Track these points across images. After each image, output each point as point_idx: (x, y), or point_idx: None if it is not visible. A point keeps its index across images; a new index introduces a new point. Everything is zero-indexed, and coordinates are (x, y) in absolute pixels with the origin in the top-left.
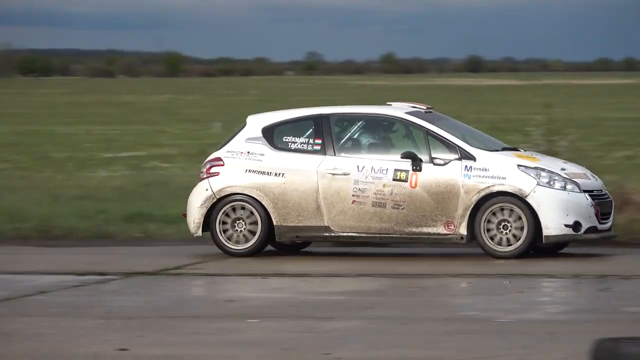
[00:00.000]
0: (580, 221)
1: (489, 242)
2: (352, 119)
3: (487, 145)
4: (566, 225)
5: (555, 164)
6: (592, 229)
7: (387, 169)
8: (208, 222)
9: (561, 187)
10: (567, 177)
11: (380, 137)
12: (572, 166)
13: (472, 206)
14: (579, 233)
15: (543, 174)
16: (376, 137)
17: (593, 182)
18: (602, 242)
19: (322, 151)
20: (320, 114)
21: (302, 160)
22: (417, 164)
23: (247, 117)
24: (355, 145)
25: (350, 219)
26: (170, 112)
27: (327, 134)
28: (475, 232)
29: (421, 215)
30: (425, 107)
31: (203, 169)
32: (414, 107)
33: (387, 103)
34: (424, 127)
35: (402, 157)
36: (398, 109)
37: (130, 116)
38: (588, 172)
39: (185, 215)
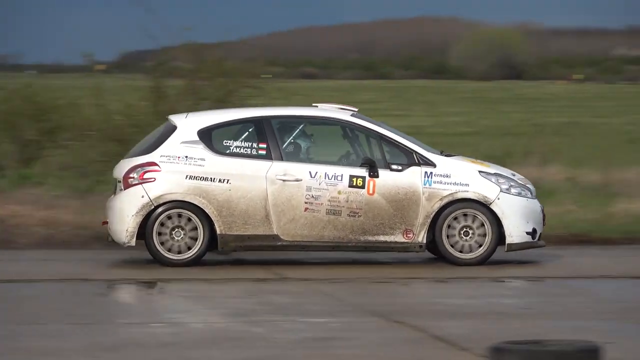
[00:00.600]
0: (537, 228)
1: (450, 250)
2: (294, 122)
3: (433, 151)
4: (527, 233)
5: (504, 170)
6: (540, 236)
7: (341, 175)
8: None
9: (517, 193)
10: (521, 183)
11: (327, 142)
12: (515, 172)
13: (434, 213)
14: (535, 240)
15: (502, 180)
16: (323, 141)
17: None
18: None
19: (269, 156)
20: (260, 117)
21: (249, 165)
22: (374, 170)
23: (168, 117)
24: (300, 150)
25: (302, 228)
26: None
27: (271, 138)
28: (437, 239)
29: (379, 223)
30: (353, 109)
31: (133, 175)
32: (342, 108)
33: (313, 105)
34: (377, 131)
35: (362, 163)
36: (340, 112)
37: None
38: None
39: (106, 222)
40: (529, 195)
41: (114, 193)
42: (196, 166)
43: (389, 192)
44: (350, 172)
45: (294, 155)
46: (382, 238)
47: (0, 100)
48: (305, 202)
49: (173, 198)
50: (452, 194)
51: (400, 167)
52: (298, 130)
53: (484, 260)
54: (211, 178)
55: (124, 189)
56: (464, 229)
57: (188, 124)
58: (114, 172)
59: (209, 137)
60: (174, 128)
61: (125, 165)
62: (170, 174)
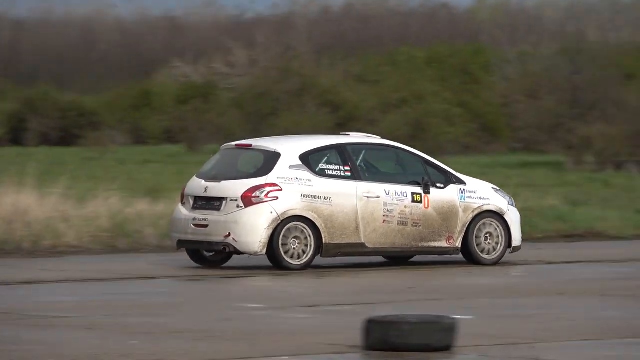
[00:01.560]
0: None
1: (478, 252)
2: (361, 148)
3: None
4: (521, 238)
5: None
6: None
7: (406, 192)
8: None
9: (513, 204)
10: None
11: (387, 164)
12: None
13: (468, 223)
14: (519, 245)
15: (504, 194)
16: (384, 164)
17: None
18: None
19: (354, 177)
20: (339, 144)
21: (342, 185)
22: (427, 188)
23: (255, 146)
24: (373, 172)
25: (380, 236)
26: None
27: (351, 162)
28: (469, 243)
29: (432, 232)
30: (378, 137)
31: (257, 194)
32: (368, 136)
33: (346, 133)
34: (420, 155)
35: (420, 183)
36: (377, 138)
37: None
38: None
39: (229, 235)
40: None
41: (183, 204)
42: (307, 186)
43: (438, 206)
44: (412, 190)
45: (370, 176)
46: (432, 244)
47: None
48: (383, 215)
49: (293, 213)
50: (480, 206)
51: (442, 185)
52: (362, 154)
53: (499, 261)
54: (318, 196)
55: (247, 207)
56: (486, 236)
57: (289, 151)
58: (189, 188)
59: (307, 161)
60: (277, 154)
61: (239, 185)
62: (289, 193)
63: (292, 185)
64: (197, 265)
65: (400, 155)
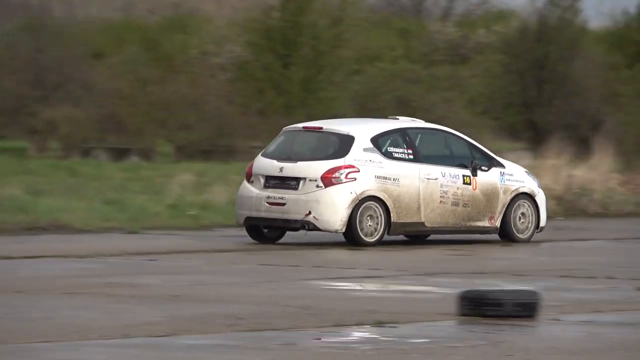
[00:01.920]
0: None
1: (515, 231)
2: (418, 132)
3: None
4: (546, 218)
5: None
6: None
7: (458, 175)
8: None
9: (540, 187)
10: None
11: (440, 148)
12: None
13: (507, 204)
14: (544, 225)
15: (534, 177)
16: (437, 147)
17: None
18: None
19: (416, 159)
20: (401, 128)
21: (407, 167)
22: (475, 171)
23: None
24: (429, 154)
25: (437, 216)
26: None
27: (412, 145)
28: (507, 223)
29: (478, 212)
30: (422, 121)
31: (339, 175)
32: (414, 120)
33: (395, 117)
34: (466, 139)
35: (468, 166)
36: (424, 122)
37: None
38: None
39: (309, 213)
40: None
41: (250, 183)
42: (379, 168)
43: (483, 188)
44: (463, 173)
45: (428, 159)
46: (478, 223)
47: None
48: (440, 196)
49: (369, 194)
50: (517, 189)
51: (486, 168)
52: (419, 138)
53: (530, 239)
54: (388, 177)
55: (327, 187)
56: (520, 216)
57: (361, 134)
58: (258, 168)
59: (377, 144)
60: (351, 137)
61: (318, 166)
62: (365, 175)
63: (367, 167)
64: (254, 241)
65: (449, 139)
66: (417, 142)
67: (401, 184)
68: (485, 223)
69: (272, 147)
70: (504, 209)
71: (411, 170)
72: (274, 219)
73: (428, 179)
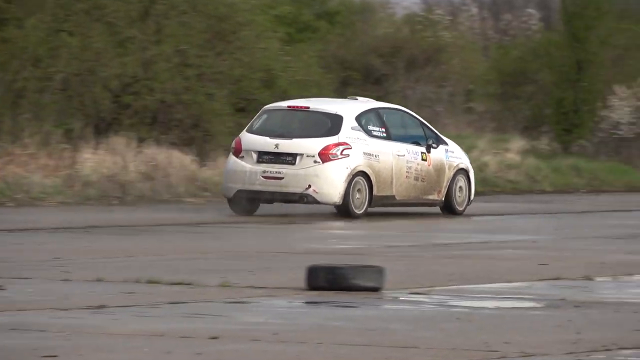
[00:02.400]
0: None
1: (455, 204)
2: (384, 112)
3: None
4: None
5: None
6: None
7: (417, 152)
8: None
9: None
10: None
11: (400, 126)
12: None
13: (450, 179)
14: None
15: (466, 154)
16: (398, 125)
17: None
18: None
19: (388, 137)
20: (375, 107)
21: (384, 145)
22: (429, 148)
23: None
24: (395, 132)
25: (404, 190)
26: None
27: (384, 124)
28: (450, 196)
29: (430, 186)
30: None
31: (336, 152)
32: (369, 100)
33: (354, 97)
34: (419, 119)
35: (425, 143)
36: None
37: None
38: None
39: (309, 187)
40: None
41: (241, 158)
42: (365, 145)
43: (435, 164)
44: (421, 150)
45: (396, 137)
46: (430, 197)
47: None
48: (406, 172)
49: (359, 169)
50: (457, 165)
51: (435, 146)
52: (384, 117)
53: (464, 211)
54: (372, 154)
55: (324, 162)
56: (458, 190)
57: (347, 113)
58: (249, 144)
59: (360, 123)
60: (339, 117)
61: (314, 143)
62: (356, 151)
63: (356, 144)
64: (233, 212)
65: (405, 117)
66: (386, 121)
67: (380, 160)
68: (435, 196)
69: (257, 124)
70: (448, 183)
71: (386, 147)
72: (271, 192)
73: (398, 155)
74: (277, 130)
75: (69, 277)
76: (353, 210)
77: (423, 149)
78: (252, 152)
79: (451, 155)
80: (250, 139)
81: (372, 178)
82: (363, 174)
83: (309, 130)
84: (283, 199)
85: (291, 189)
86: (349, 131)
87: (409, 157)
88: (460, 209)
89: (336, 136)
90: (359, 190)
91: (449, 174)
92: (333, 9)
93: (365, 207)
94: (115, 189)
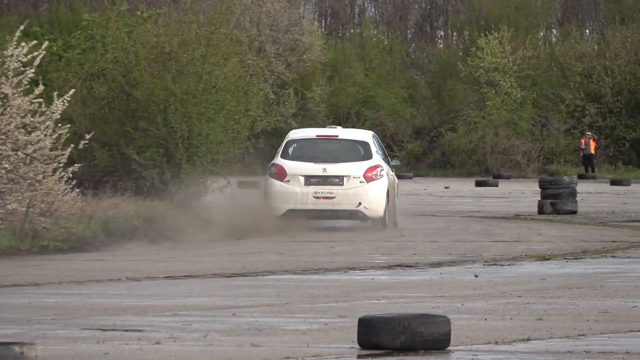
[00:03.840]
0: None
1: (395, 218)
2: (374, 138)
3: None
4: None
5: None
6: None
7: (392, 171)
8: None
9: None
10: None
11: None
12: None
13: (396, 194)
14: None
15: None
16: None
17: None
18: None
19: (385, 159)
20: (374, 134)
21: (386, 165)
22: (392, 168)
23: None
24: (383, 155)
25: (394, 204)
26: None
27: (382, 148)
28: (395, 210)
29: (394, 201)
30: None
31: (377, 173)
32: (342, 128)
33: (333, 126)
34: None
35: (391, 163)
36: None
37: None
38: None
39: (360, 204)
40: None
41: (286, 182)
42: (385, 166)
43: (396, 182)
44: (391, 169)
45: (385, 159)
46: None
47: None
48: (395, 188)
49: (388, 187)
50: (397, 182)
51: (394, 165)
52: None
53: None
54: (388, 174)
55: (368, 182)
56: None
57: (369, 140)
58: (295, 169)
59: (376, 148)
60: (366, 143)
61: (358, 166)
62: (385, 172)
63: (383, 166)
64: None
65: (378, 142)
66: (379, 146)
67: (389, 179)
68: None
69: (291, 152)
70: (395, 199)
71: (387, 168)
72: (323, 210)
73: (393, 175)
74: (316, 156)
75: None
76: (386, 222)
77: (391, 168)
78: (299, 177)
79: (394, 173)
80: (294, 165)
81: (390, 194)
82: (387, 191)
83: (348, 155)
84: (333, 215)
85: (343, 207)
86: (376, 155)
87: (393, 176)
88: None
89: (372, 159)
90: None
91: (397, 190)
92: None
93: (388, 219)
94: None
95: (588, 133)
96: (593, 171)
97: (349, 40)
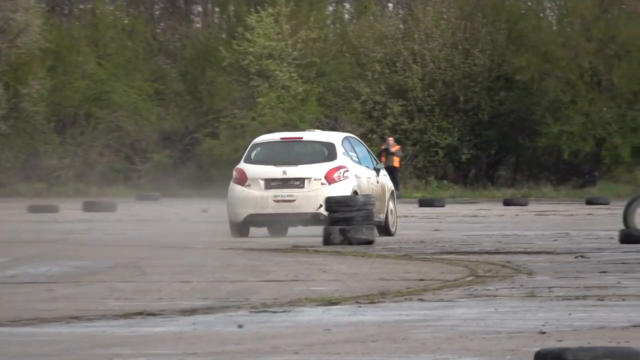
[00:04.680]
0: None
1: (389, 225)
2: (350, 140)
3: None
4: None
5: None
6: None
7: (372, 175)
8: None
9: None
10: None
11: (359, 152)
12: None
13: (387, 200)
14: None
15: None
16: (358, 152)
17: None
18: None
19: (359, 162)
20: (346, 136)
21: (359, 168)
22: (377, 171)
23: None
24: (359, 158)
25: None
26: None
27: (354, 150)
28: (387, 218)
29: (380, 207)
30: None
31: (340, 174)
32: (320, 131)
33: (312, 130)
34: (364, 145)
35: (374, 167)
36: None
37: None
38: None
39: (320, 207)
40: None
41: (247, 186)
42: (353, 168)
43: (381, 186)
44: (373, 173)
45: (360, 161)
46: (379, 216)
47: None
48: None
49: (354, 189)
50: (390, 187)
51: (379, 169)
52: (352, 144)
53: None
54: (357, 176)
55: (330, 184)
56: (390, 211)
57: (335, 141)
58: (255, 173)
59: (344, 149)
60: (332, 144)
61: (319, 168)
62: (351, 173)
63: (350, 167)
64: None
65: (359, 145)
66: (354, 147)
67: (361, 181)
68: (382, 217)
69: (253, 155)
70: (386, 205)
71: (361, 170)
72: (285, 214)
73: (367, 177)
74: (277, 159)
75: None
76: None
77: (374, 173)
78: (260, 180)
79: (385, 179)
80: (254, 169)
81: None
82: (355, 193)
83: (310, 157)
84: (295, 219)
85: (303, 210)
86: (341, 156)
87: (372, 179)
88: (393, 229)
89: (335, 161)
90: None
91: (387, 196)
92: None
93: None
94: None
95: (390, 139)
96: (397, 189)
97: (77, 19)
